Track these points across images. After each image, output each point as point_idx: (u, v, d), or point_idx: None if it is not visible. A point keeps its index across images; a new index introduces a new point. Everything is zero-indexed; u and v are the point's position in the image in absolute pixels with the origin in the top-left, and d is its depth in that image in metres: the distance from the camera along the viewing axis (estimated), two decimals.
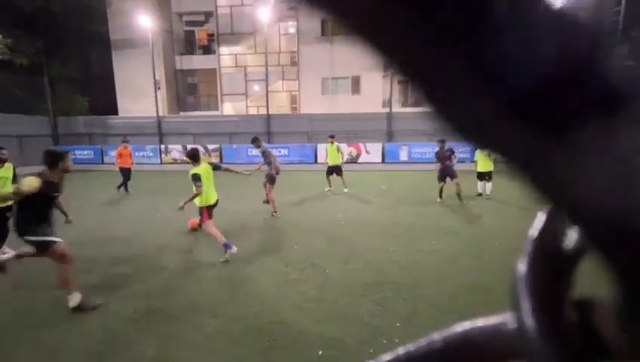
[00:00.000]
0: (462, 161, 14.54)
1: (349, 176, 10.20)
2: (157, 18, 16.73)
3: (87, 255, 4.35)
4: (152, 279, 3.85)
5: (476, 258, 4.30)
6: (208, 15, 19.02)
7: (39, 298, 3.39)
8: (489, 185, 8.08)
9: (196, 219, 5.28)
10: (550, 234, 0.15)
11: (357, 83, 18.16)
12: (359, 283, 3.64)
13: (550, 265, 0.15)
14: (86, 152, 16.84)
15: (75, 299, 3.10)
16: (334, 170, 8.79)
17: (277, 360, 2.46)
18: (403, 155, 15.23)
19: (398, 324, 2.88)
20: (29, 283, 3.68)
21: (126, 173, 9.00)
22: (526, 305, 0.15)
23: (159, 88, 17.53)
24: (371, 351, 2.54)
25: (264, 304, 3.19)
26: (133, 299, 3.35)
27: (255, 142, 6.51)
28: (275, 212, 6.49)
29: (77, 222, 4.44)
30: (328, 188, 9.00)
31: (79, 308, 3.09)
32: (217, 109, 19.36)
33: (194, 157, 4.57)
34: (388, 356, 0.22)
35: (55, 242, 3.13)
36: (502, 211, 6.75)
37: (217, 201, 4.69)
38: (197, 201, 4.47)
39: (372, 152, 15.32)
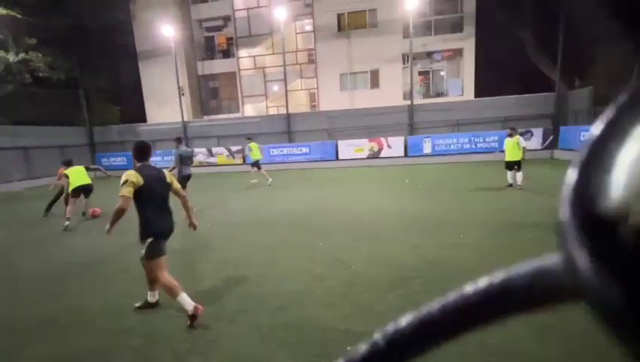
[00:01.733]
0: (490, 150, 13.98)
1: (370, 170, 9.99)
2: (178, 27, 17.33)
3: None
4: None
5: (507, 251, 4.13)
6: (226, 20, 19.46)
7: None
8: (519, 175, 7.72)
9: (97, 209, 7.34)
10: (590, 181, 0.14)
11: (376, 77, 17.88)
12: (385, 278, 3.61)
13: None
14: (119, 159, 17.81)
15: None
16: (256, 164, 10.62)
17: (304, 356, 2.50)
18: (426, 148, 14.83)
19: None
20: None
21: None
22: (574, 243, 0.14)
23: (183, 94, 18.18)
24: None
25: (290, 300, 3.25)
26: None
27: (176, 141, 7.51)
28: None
29: None
30: (255, 179, 10.64)
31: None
32: (238, 111, 19.79)
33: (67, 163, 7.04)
34: (415, 313, 0.22)
35: None
36: (533, 202, 6.43)
37: (83, 187, 6.77)
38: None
39: (394, 146, 15.03)
